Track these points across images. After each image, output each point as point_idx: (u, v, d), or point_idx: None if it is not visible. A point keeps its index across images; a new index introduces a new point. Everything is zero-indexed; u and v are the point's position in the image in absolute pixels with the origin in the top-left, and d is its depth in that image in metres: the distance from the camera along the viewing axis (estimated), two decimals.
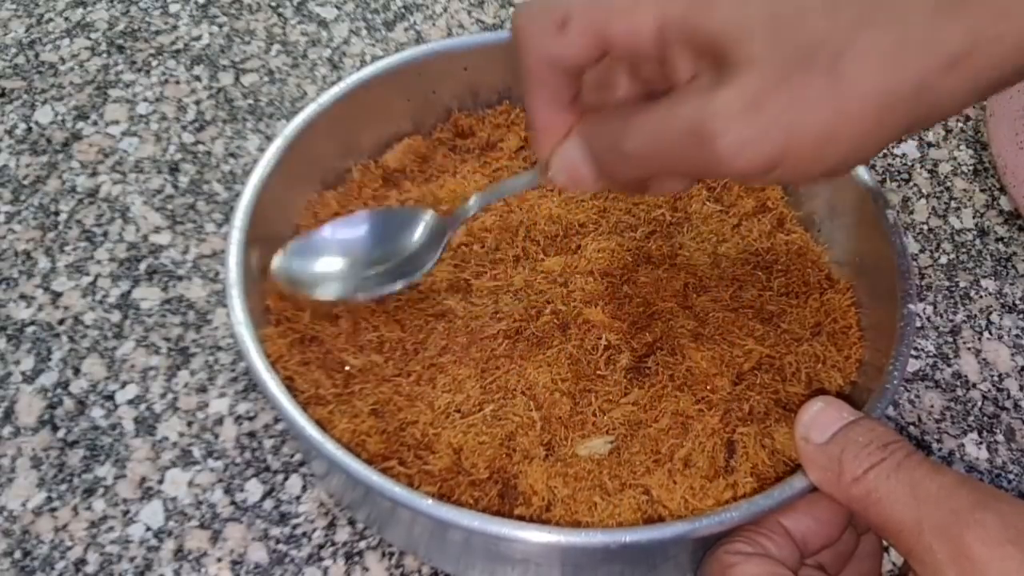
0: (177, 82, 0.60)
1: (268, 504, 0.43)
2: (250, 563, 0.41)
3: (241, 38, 0.62)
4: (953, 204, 0.57)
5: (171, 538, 0.42)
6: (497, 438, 0.37)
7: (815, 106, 0.27)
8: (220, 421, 0.45)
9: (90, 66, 0.60)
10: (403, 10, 0.65)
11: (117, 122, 0.57)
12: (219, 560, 0.41)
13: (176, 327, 0.48)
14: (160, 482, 0.43)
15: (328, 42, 0.63)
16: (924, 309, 0.52)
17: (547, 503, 0.36)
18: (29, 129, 0.57)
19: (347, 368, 0.39)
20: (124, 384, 0.46)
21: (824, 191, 0.46)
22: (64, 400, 0.46)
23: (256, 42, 0.62)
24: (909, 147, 0.59)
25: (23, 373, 0.47)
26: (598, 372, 0.39)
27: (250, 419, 0.45)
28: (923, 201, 0.57)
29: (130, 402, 0.46)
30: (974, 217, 0.56)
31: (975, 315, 0.52)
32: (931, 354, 0.50)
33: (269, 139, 0.43)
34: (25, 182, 0.54)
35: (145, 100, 0.58)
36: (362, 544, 0.42)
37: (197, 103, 0.58)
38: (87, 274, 0.50)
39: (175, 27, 0.63)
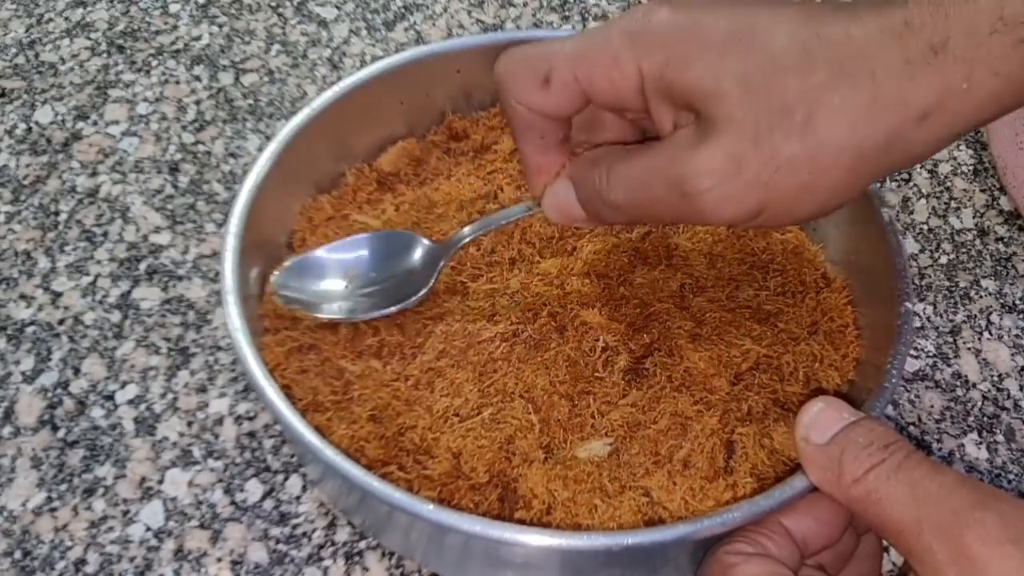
0: (177, 82, 0.60)
1: (268, 504, 0.43)
2: (250, 563, 0.41)
3: (241, 38, 0.62)
4: (953, 204, 0.57)
5: (171, 538, 0.42)
6: (496, 442, 0.37)
7: (791, 163, 0.27)
8: (220, 421, 0.45)
9: (90, 66, 0.60)
10: (403, 10, 0.65)
11: (117, 122, 0.57)
12: (219, 560, 0.41)
13: (176, 327, 0.48)
14: (160, 482, 0.43)
15: (328, 42, 0.63)
16: (924, 309, 0.52)
17: (547, 506, 0.36)
18: (29, 129, 0.57)
19: (346, 375, 0.39)
20: (124, 384, 0.46)
21: None
22: (64, 400, 0.46)
23: (256, 42, 0.62)
24: None
25: (23, 373, 0.47)
26: (596, 374, 0.39)
27: (250, 419, 0.45)
28: (923, 201, 0.57)
29: (130, 402, 0.46)
30: (974, 217, 0.56)
31: (975, 315, 0.52)
32: (931, 354, 0.50)
33: (269, 139, 0.43)
34: (25, 182, 0.54)
35: (145, 100, 0.59)
36: (362, 544, 0.42)
37: (197, 103, 0.59)
38: (87, 274, 0.50)
39: (175, 27, 0.63)
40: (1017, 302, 0.52)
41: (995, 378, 0.49)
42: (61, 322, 0.48)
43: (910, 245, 0.54)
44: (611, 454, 0.37)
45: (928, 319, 0.51)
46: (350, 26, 0.64)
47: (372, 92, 0.46)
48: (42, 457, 0.44)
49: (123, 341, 0.48)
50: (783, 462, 0.37)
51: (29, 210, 0.53)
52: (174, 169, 0.55)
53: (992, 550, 0.27)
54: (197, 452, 0.44)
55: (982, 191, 0.57)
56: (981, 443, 0.47)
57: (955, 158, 0.59)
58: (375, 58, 0.61)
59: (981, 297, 0.52)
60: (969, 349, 0.50)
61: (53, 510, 0.42)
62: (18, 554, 0.41)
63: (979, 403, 0.48)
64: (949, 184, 0.57)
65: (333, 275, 0.41)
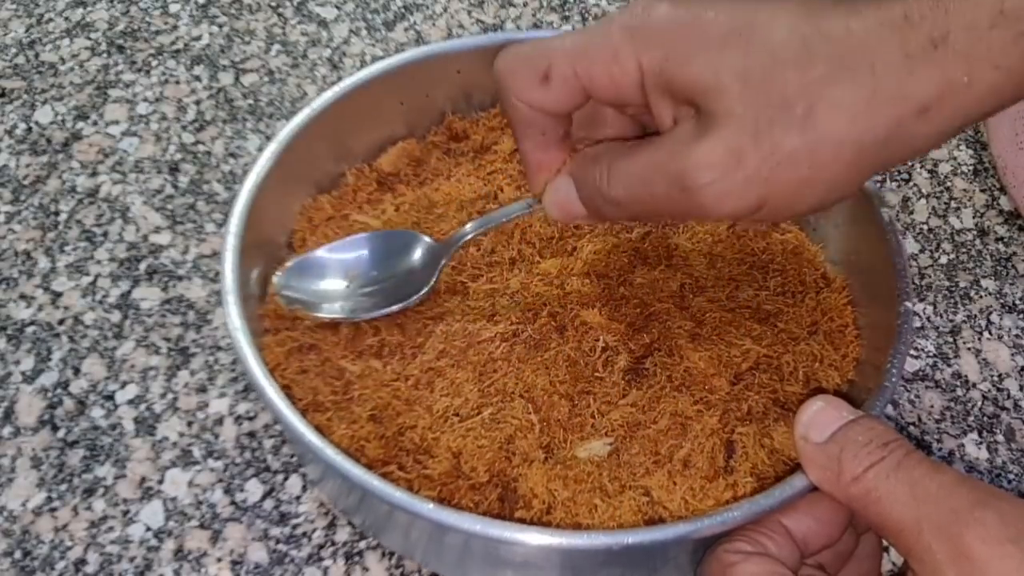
0: (177, 82, 0.60)
1: (268, 504, 0.43)
2: (250, 563, 0.41)
3: (241, 38, 0.62)
4: (953, 204, 0.57)
5: (171, 538, 0.42)
6: (496, 441, 0.37)
7: (791, 158, 0.28)
8: (220, 421, 0.45)
9: (90, 66, 0.60)
10: (403, 10, 0.65)
11: (117, 122, 0.57)
12: (219, 560, 0.41)
13: (176, 327, 0.48)
14: (160, 482, 0.43)
15: (328, 42, 0.63)
16: (924, 309, 0.52)
17: (547, 506, 0.36)
18: (29, 129, 0.57)
19: (346, 375, 0.39)
20: (124, 384, 0.46)
21: None
22: (64, 400, 0.46)
23: (256, 42, 0.62)
24: None
25: (23, 373, 0.47)
26: (596, 374, 0.39)
27: (250, 419, 0.45)
28: (923, 201, 0.57)
29: (130, 402, 0.46)
30: (974, 217, 0.56)
31: (975, 315, 0.52)
32: (931, 354, 0.50)
33: (269, 139, 0.44)
34: (25, 182, 0.54)
35: (145, 100, 0.59)
36: (362, 544, 0.42)
37: (197, 103, 0.59)
38: (87, 274, 0.50)
39: (175, 27, 0.63)
40: (1017, 302, 0.52)
41: (995, 378, 0.49)
42: (61, 322, 0.48)
43: (910, 245, 0.54)
44: (611, 454, 0.37)
45: (928, 319, 0.51)
46: (350, 26, 0.64)
47: (372, 92, 0.46)
48: (42, 457, 0.44)
49: (123, 341, 0.48)
50: (783, 462, 0.37)
51: (29, 210, 0.53)
52: (174, 169, 0.55)
53: (992, 549, 0.27)
54: (197, 452, 0.44)
55: (982, 191, 0.57)
56: (981, 443, 0.47)
57: (955, 158, 0.59)
58: (375, 58, 0.61)
59: (981, 297, 0.52)
60: (969, 349, 0.50)
61: (53, 510, 0.42)
62: (18, 554, 0.41)
63: (979, 403, 0.48)
64: (949, 184, 0.57)
65: (334, 275, 0.41)
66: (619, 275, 0.42)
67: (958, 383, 0.49)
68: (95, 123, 0.57)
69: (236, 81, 0.60)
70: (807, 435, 0.33)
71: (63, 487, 0.43)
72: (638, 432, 0.38)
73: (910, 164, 0.58)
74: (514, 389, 0.39)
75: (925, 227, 0.55)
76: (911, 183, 0.58)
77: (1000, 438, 0.47)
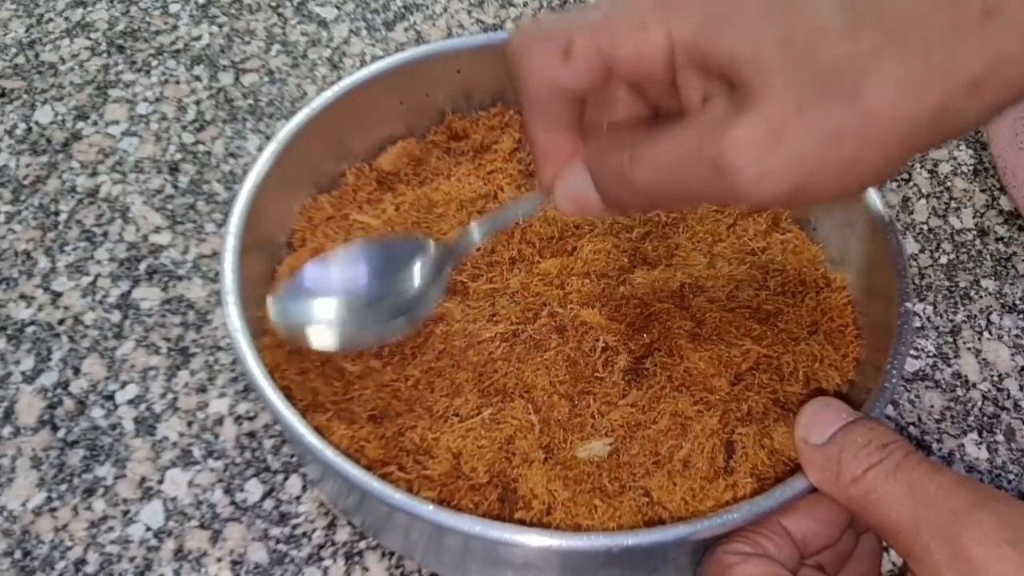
0: (177, 82, 0.60)
1: (268, 504, 0.43)
2: (250, 563, 0.41)
3: (241, 38, 0.62)
4: (953, 204, 0.57)
5: (171, 538, 0.42)
6: (496, 442, 0.37)
7: (837, 136, 0.26)
8: (220, 421, 0.45)
9: (90, 66, 0.60)
10: (403, 10, 0.65)
11: (117, 122, 0.57)
12: (219, 560, 0.41)
13: (176, 327, 0.48)
14: (160, 482, 0.43)
15: (328, 42, 0.63)
16: (924, 309, 0.52)
17: (547, 506, 0.36)
18: (29, 129, 0.57)
19: (346, 375, 0.39)
20: (124, 384, 0.46)
21: None
22: (64, 400, 0.46)
23: (256, 42, 0.62)
24: None
25: (23, 373, 0.47)
26: (596, 374, 0.39)
27: (250, 419, 0.45)
28: (923, 201, 0.57)
29: (130, 402, 0.46)
30: (974, 217, 0.56)
31: (975, 315, 0.52)
32: (931, 354, 0.50)
33: (269, 139, 0.43)
34: (25, 182, 0.54)
35: (145, 100, 0.59)
36: (362, 544, 0.42)
37: (197, 103, 0.59)
38: (87, 274, 0.50)
39: (175, 27, 0.63)
40: (1017, 302, 0.52)
41: (995, 378, 0.49)
42: (61, 322, 0.49)
43: (910, 245, 0.54)
44: (611, 454, 0.37)
45: (928, 319, 0.51)
46: (350, 26, 0.64)
47: (372, 92, 0.46)
48: (42, 457, 0.44)
49: (123, 341, 0.48)
50: (783, 462, 0.37)
51: (29, 210, 0.53)
52: (174, 169, 0.55)
53: (990, 551, 0.27)
54: (197, 452, 0.44)
55: (982, 191, 0.57)
56: (981, 443, 0.47)
57: (955, 158, 0.59)
58: (375, 58, 0.61)
59: (981, 297, 0.52)
60: (969, 349, 0.50)
61: (53, 510, 0.42)
62: (18, 554, 0.41)
63: (979, 403, 0.48)
64: (949, 184, 0.57)
65: (334, 296, 0.39)
66: (619, 275, 0.42)
67: (958, 383, 0.49)
68: (95, 123, 0.57)
69: (236, 81, 0.60)
70: (807, 436, 0.33)
71: (63, 487, 0.43)
72: (638, 432, 0.38)
73: (910, 164, 0.58)
74: (514, 389, 0.39)
75: (925, 227, 0.55)
76: (911, 183, 0.57)
77: (1000, 438, 0.47)
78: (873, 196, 0.42)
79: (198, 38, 0.62)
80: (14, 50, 0.61)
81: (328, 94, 0.44)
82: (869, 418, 0.33)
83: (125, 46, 0.62)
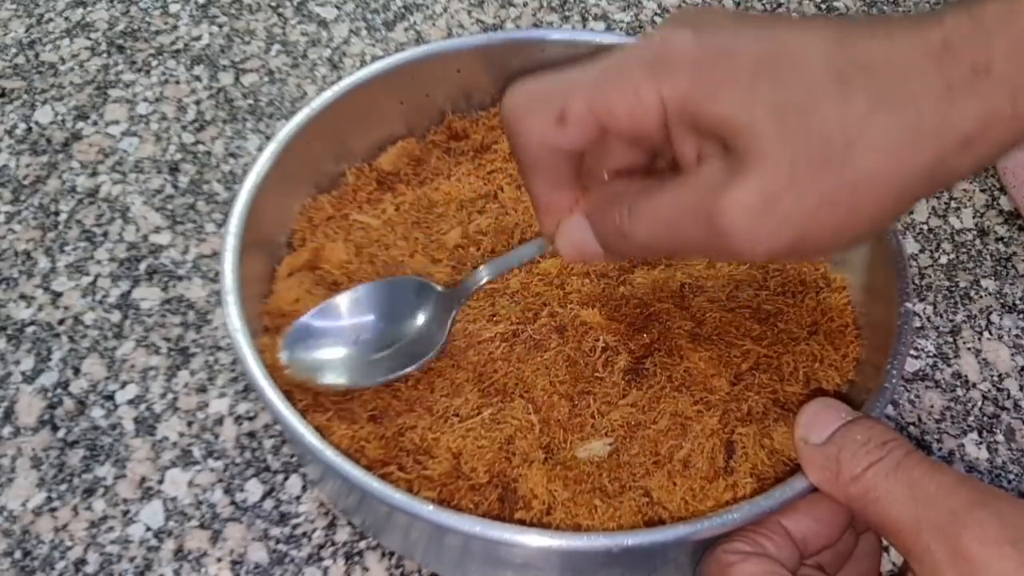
0: (177, 82, 0.60)
1: (268, 504, 0.43)
2: (250, 563, 0.41)
3: (241, 38, 0.62)
4: (953, 204, 0.57)
5: (171, 538, 0.42)
6: (496, 442, 0.37)
7: (831, 198, 0.26)
8: (220, 421, 0.45)
9: (90, 66, 0.60)
10: (403, 10, 0.65)
11: (117, 122, 0.57)
12: (219, 560, 0.41)
13: (176, 327, 0.48)
14: (160, 482, 0.43)
15: (328, 42, 0.63)
16: (924, 309, 0.52)
17: (547, 506, 0.36)
18: (29, 129, 0.57)
19: None
20: (124, 384, 0.46)
21: None
22: (64, 400, 0.46)
23: (256, 42, 0.62)
24: None
25: (23, 373, 0.47)
26: (596, 374, 0.39)
27: (250, 419, 0.45)
28: (923, 201, 0.57)
29: (130, 402, 0.46)
30: (974, 217, 0.56)
31: (975, 315, 0.52)
32: (931, 354, 0.50)
33: (269, 139, 0.44)
34: (25, 182, 0.54)
35: (145, 100, 0.59)
36: (362, 544, 0.42)
37: (197, 103, 0.59)
38: (87, 274, 0.50)
39: (175, 27, 0.63)
40: (1017, 302, 0.52)
41: (995, 378, 0.49)
42: (61, 322, 0.49)
43: (910, 245, 0.54)
44: (611, 454, 0.37)
45: (928, 319, 0.51)
46: (350, 26, 0.64)
47: (372, 92, 0.46)
48: (42, 457, 0.44)
49: (123, 341, 0.48)
50: (783, 462, 0.37)
51: (29, 210, 0.53)
52: (174, 169, 0.55)
53: (990, 550, 0.27)
54: (197, 452, 0.44)
55: (982, 191, 0.57)
56: (981, 443, 0.47)
57: None
58: (375, 58, 0.61)
59: (981, 297, 0.52)
60: (969, 349, 0.50)
61: (53, 510, 0.42)
62: (18, 554, 0.41)
63: (979, 403, 0.48)
64: None
65: (339, 342, 0.39)
66: (619, 275, 0.42)
67: (958, 383, 0.49)
68: (95, 123, 0.57)
69: (236, 81, 0.60)
70: (806, 437, 0.33)
71: (63, 487, 0.43)
72: (638, 432, 0.38)
73: None
74: (514, 389, 0.39)
75: (925, 227, 0.55)
76: None
77: (1000, 438, 0.47)
78: None
79: (198, 38, 0.62)
80: (14, 50, 0.61)
81: (328, 94, 0.44)
82: (869, 417, 0.33)
83: (125, 46, 0.62)
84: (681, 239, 0.28)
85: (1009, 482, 0.46)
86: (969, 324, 0.51)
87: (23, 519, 0.42)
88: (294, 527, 0.42)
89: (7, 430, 0.45)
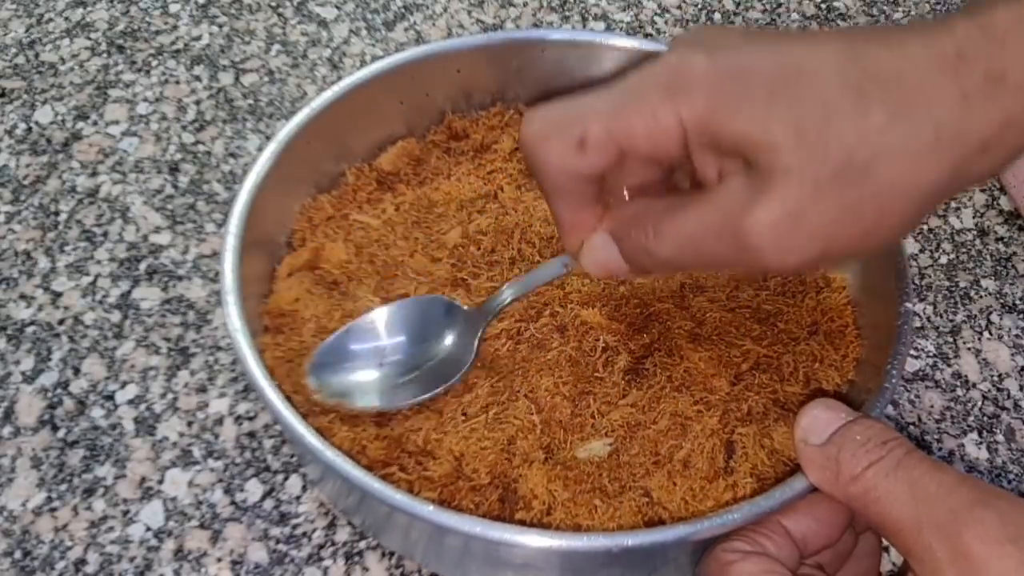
0: (177, 82, 0.60)
1: (268, 504, 0.43)
2: (250, 563, 0.41)
3: (241, 38, 0.62)
4: (953, 204, 0.57)
5: (171, 538, 0.42)
6: (498, 443, 0.37)
7: (854, 210, 0.27)
8: (220, 421, 0.45)
9: (90, 66, 0.60)
10: (403, 10, 0.65)
11: (117, 122, 0.57)
12: (219, 560, 0.41)
13: (176, 327, 0.48)
14: (160, 482, 0.43)
15: (328, 42, 0.63)
16: (924, 309, 0.52)
17: (548, 507, 0.36)
18: (29, 129, 0.57)
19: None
20: (124, 384, 0.46)
21: None
22: (64, 400, 0.46)
23: (256, 42, 0.62)
24: None
25: (23, 373, 0.47)
26: (596, 374, 0.39)
27: (250, 419, 0.45)
28: None
29: (130, 402, 0.46)
30: (974, 217, 0.56)
31: (975, 315, 0.52)
32: (931, 354, 0.50)
33: (269, 139, 0.44)
34: (25, 182, 0.54)
35: (145, 100, 0.59)
36: (362, 544, 0.42)
37: (197, 103, 0.59)
38: (87, 274, 0.50)
39: (175, 27, 0.63)
40: (1017, 302, 0.52)
41: (995, 378, 0.49)
42: (61, 322, 0.48)
43: (910, 245, 0.54)
44: (611, 454, 0.37)
45: (928, 319, 0.51)
46: (350, 26, 0.64)
47: (372, 92, 0.46)
48: (42, 457, 0.44)
49: (123, 341, 0.48)
50: (783, 462, 0.37)
51: (29, 210, 0.53)
52: (174, 169, 0.55)
53: (991, 549, 0.27)
54: (197, 452, 0.44)
55: (982, 191, 0.57)
56: (981, 443, 0.47)
57: None
58: (375, 58, 0.61)
59: (981, 297, 0.52)
60: (969, 349, 0.50)
61: (53, 510, 0.42)
62: (18, 554, 0.41)
63: (979, 403, 0.48)
64: None
65: (366, 364, 0.39)
66: None
67: (958, 383, 0.49)
68: (95, 123, 0.57)
69: (236, 81, 0.60)
70: (806, 438, 0.33)
71: (63, 487, 0.43)
72: (638, 432, 0.38)
73: None
74: (519, 388, 0.39)
75: (925, 227, 0.55)
76: None
77: (1000, 438, 0.47)
78: None
79: (198, 38, 0.62)
80: (14, 50, 0.61)
81: (328, 94, 0.44)
82: (869, 417, 0.33)
83: (125, 46, 0.62)
84: (707, 255, 0.29)
85: (1009, 482, 0.46)
86: (969, 324, 0.51)
87: (23, 519, 0.42)
88: (294, 527, 0.42)
89: (7, 430, 0.45)
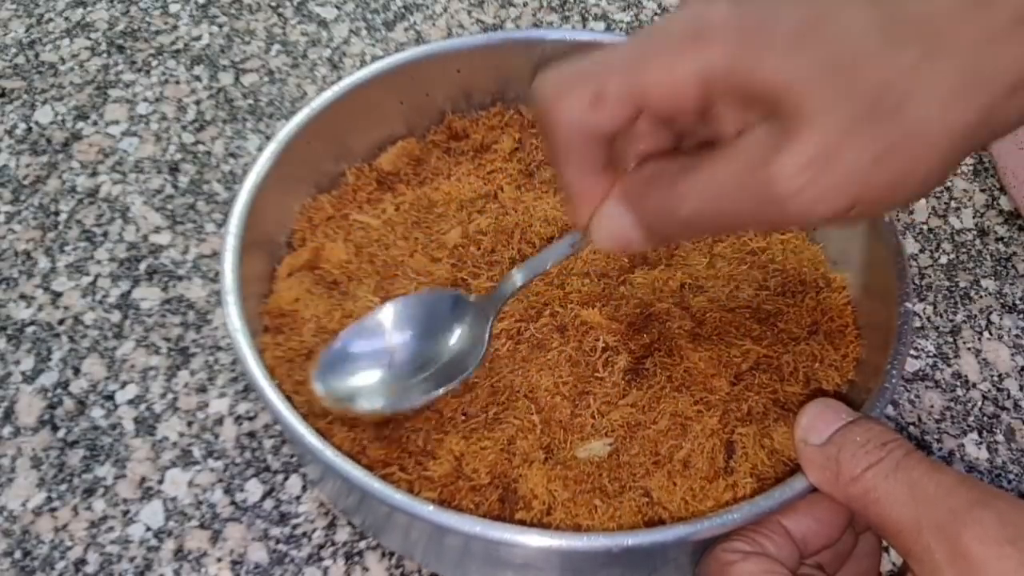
0: (177, 82, 0.60)
1: (268, 504, 0.43)
2: (250, 563, 0.41)
3: (241, 38, 0.62)
4: (953, 204, 0.57)
5: (171, 538, 0.42)
6: (498, 443, 0.37)
7: (888, 152, 0.26)
8: (220, 421, 0.45)
9: (90, 66, 0.60)
10: (403, 10, 0.65)
11: (117, 122, 0.57)
12: (219, 560, 0.41)
13: (176, 327, 0.48)
14: (160, 482, 0.43)
15: (328, 42, 0.63)
16: (924, 309, 0.52)
17: (548, 507, 0.36)
18: (29, 129, 0.57)
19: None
20: (124, 384, 0.46)
21: None
22: (64, 400, 0.46)
23: (256, 42, 0.62)
24: None
25: (23, 373, 0.47)
26: (596, 374, 0.39)
27: (250, 419, 0.45)
28: (923, 201, 0.57)
29: (130, 402, 0.46)
30: (974, 217, 0.56)
31: (975, 315, 0.52)
32: (931, 354, 0.50)
33: (269, 139, 0.44)
34: (25, 182, 0.54)
35: (145, 100, 0.59)
36: (362, 544, 0.42)
37: (197, 103, 0.59)
38: (87, 274, 0.50)
39: (175, 27, 0.63)
40: (1017, 302, 0.52)
41: (995, 378, 0.49)
42: (61, 322, 0.49)
43: (910, 245, 0.54)
44: (611, 454, 0.37)
45: (928, 319, 0.51)
46: (350, 26, 0.64)
47: (372, 92, 0.46)
48: (42, 457, 0.44)
49: (123, 341, 0.48)
50: (783, 462, 0.37)
51: (29, 210, 0.53)
52: (174, 169, 0.55)
53: (990, 550, 0.27)
54: (197, 452, 0.44)
55: (982, 191, 0.57)
56: (981, 443, 0.47)
57: None
58: (375, 58, 0.61)
59: (981, 297, 0.52)
60: (969, 349, 0.50)
61: (53, 510, 0.42)
62: (18, 554, 0.41)
63: (979, 403, 0.48)
64: (949, 184, 0.57)
65: (374, 365, 0.38)
66: (619, 275, 0.42)
67: (958, 383, 0.49)
68: (95, 123, 0.57)
69: (236, 81, 0.60)
70: (806, 438, 0.33)
71: (63, 487, 0.43)
72: (638, 432, 0.38)
73: None
74: (519, 388, 0.39)
75: (925, 227, 0.55)
76: None
77: (1000, 438, 0.47)
78: None
79: (198, 38, 0.62)
80: (14, 50, 0.61)
81: (328, 94, 0.44)
82: (868, 418, 0.33)
83: (125, 46, 0.62)
84: (731, 211, 0.28)
85: (1009, 482, 0.46)
86: (969, 324, 0.51)
87: (23, 519, 0.42)
88: (294, 527, 0.42)
89: (7, 430, 0.45)
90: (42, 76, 0.59)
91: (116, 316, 0.49)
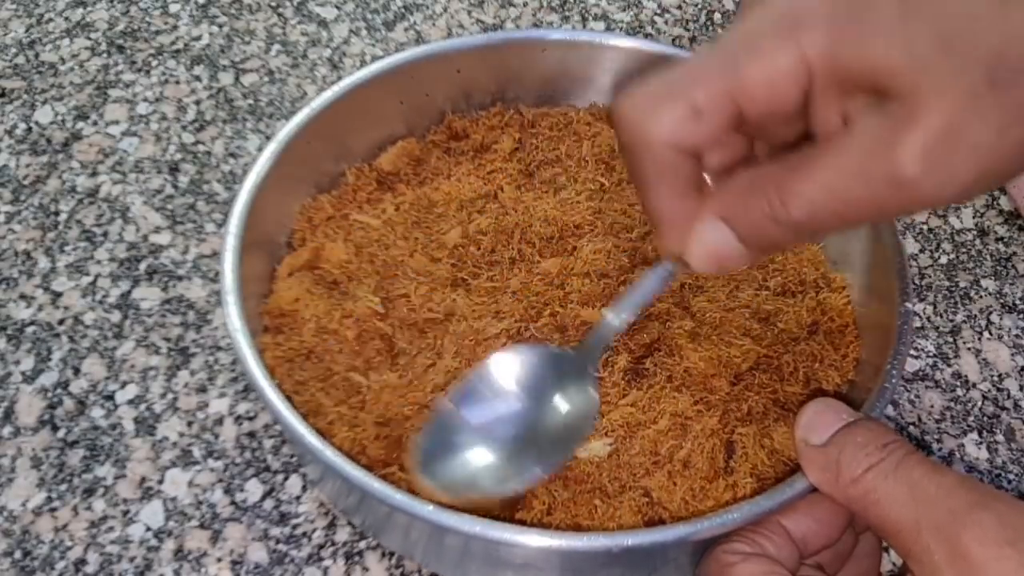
0: (177, 82, 0.60)
1: (268, 504, 0.43)
2: (250, 563, 0.41)
3: (241, 38, 0.62)
4: (953, 204, 0.57)
5: (171, 538, 0.42)
6: None
7: (1011, 125, 0.25)
8: (220, 421, 0.45)
9: (90, 66, 0.60)
10: (403, 10, 0.65)
11: (117, 122, 0.57)
12: (219, 560, 0.41)
13: (176, 327, 0.48)
14: (160, 482, 0.43)
15: (328, 42, 0.63)
16: (924, 309, 0.52)
17: (548, 507, 0.36)
18: (29, 129, 0.57)
19: (361, 392, 0.38)
20: (124, 384, 0.46)
21: None
22: (64, 400, 0.46)
23: (256, 42, 0.62)
24: None
25: (23, 373, 0.47)
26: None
27: (250, 419, 0.45)
28: None
29: (130, 402, 0.46)
30: (974, 217, 0.56)
31: (975, 315, 0.52)
32: (931, 354, 0.50)
33: (269, 139, 0.44)
34: (25, 182, 0.54)
35: (145, 100, 0.59)
36: (362, 544, 0.42)
37: (197, 103, 0.59)
38: (87, 274, 0.50)
39: (175, 27, 0.63)
40: (1017, 302, 0.52)
41: (995, 378, 0.49)
42: (61, 322, 0.49)
43: (910, 245, 0.54)
44: (611, 454, 0.37)
45: (928, 319, 0.51)
46: (350, 26, 0.64)
47: (372, 92, 0.46)
48: (42, 457, 0.44)
49: (123, 341, 0.48)
50: (783, 462, 0.37)
51: (29, 210, 0.53)
52: (174, 169, 0.55)
53: (989, 551, 0.27)
54: (197, 452, 0.44)
55: None
56: (981, 443, 0.47)
57: None
58: (375, 58, 0.61)
59: (981, 297, 0.52)
60: (969, 349, 0.50)
61: (53, 510, 0.42)
62: (18, 554, 0.41)
63: (979, 403, 0.48)
64: None
65: (479, 444, 0.35)
66: (619, 275, 0.42)
67: (958, 383, 0.49)
68: (95, 123, 0.57)
69: (236, 81, 0.60)
70: (807, 438, 0.33)
71: (63, 487, 0.43)
72: (638, 432, 0.38)
73: None
74: None
75: (925, 227, 0.55)
76: None
77: (1000, 438, 0.47)
78: None
79: (198, 38, 0.62)
80: (14, 50, 0.61)
81: (328, 94, 0.44)
82: (869, 418, 0.33)
83: (125, 46, 0.62)
84: (853, 206, 0.26)
85: (1009, 482, 0.46)
86: (969, 324, 0.51)
87: (23, 519, 0.42)
88: (294, 527, 0.42)
89: (7, 430, 0.45)
90: (42, 76, 0.59)
91: (116, 316, 0.49)
